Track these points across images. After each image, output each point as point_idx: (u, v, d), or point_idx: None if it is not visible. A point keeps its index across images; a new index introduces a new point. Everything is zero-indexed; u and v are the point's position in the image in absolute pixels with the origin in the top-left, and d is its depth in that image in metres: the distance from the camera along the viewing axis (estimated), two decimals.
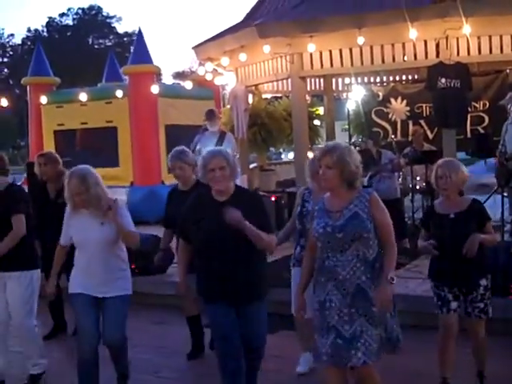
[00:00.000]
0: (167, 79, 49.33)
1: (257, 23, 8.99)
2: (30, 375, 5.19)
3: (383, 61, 8.73)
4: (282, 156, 26.00)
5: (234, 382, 4.16)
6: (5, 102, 14.71)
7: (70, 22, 79.98)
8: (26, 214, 4.98)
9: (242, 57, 9.56)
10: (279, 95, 12.66)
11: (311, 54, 9.07)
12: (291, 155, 12.45)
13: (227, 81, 11.82)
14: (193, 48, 11.03)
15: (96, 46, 78.75)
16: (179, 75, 61.50)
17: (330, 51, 8.96)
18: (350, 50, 8.80)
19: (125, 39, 77.81)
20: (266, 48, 8.98)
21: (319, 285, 3.80)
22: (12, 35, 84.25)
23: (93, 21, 78.88)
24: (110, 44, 77.26)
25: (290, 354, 5.61)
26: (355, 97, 11.80)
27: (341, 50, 8.88)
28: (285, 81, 10.99)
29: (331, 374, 3.83)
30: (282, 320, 6.33)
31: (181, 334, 5.89)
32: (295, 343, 5.69)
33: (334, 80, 12.53)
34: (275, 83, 11.40)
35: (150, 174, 14.29)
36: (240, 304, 4.14)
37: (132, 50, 17.05)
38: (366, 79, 12.17)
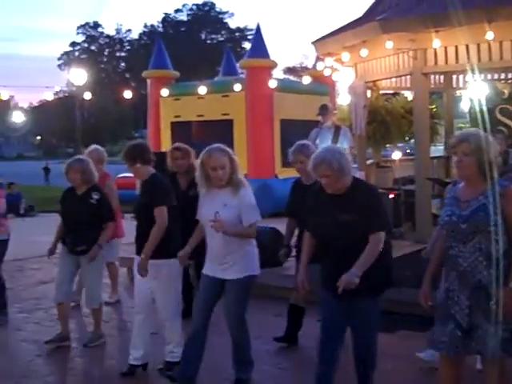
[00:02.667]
0: (277, 74, 49.49)
1: (380, 18, 8.86)
2: (165, 361, 5.28)
3: None
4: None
5: (322, 369, 4.21)
6: (129, 94, 15.28)
7: (185, 18, 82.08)
8: (168, 204, 5.08)
9: (363, 52, 9.46)
10: (397, 92, 12.43)
11: (435, 50, 8.85)
12: (396, 155, 12.16)
13: (345, 76, 11.72)
14: (312, 43, 11.02)
15: (208, 41, 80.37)
16: (290, 70, 61.83)
17: (456, 47, 8.70)
18: (478, 45, 8.51)
19: (236, 34, 78.99)
20: (389, 44, 8.83)
21: (445, 273, 3.80)
22: (129, 31, 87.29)
23: (206, 16, 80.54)
24: (221, 39, 78.71)
25: (407, 353, 5.51)
26: (475, 94, 11.39)
27: (467, 46, 8.60)
28: (404, 77, 10.79)
29: (446, 363, 3.79)
30: (401, 319, 6.26)
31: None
32: (413, 343, 5.61)
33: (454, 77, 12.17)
34: (394, 79, 11.20)
35: (263, 167, 14.49)
36: (350, 297, 4.08)
37: (250, 45, 17.30)
38: (489, 76, 11.72)
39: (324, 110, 9.26)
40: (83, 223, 5.85)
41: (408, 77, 10.34)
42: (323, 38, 10.79)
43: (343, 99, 12.73)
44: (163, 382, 5.12)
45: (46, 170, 36.11)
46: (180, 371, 4.85)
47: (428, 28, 8.49)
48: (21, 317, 7.10)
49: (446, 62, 8.91)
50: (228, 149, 4.70)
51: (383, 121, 10.85)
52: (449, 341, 3.67)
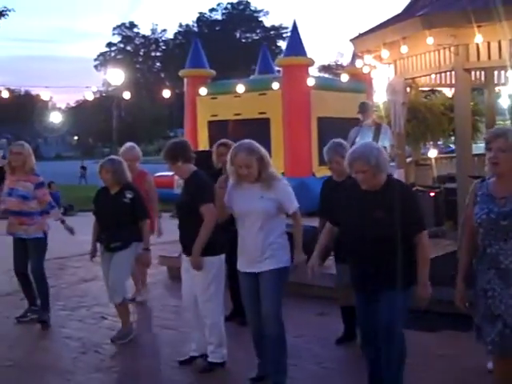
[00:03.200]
0: (312, 72, 49.33)
1: (421, 14, 8.73)
2: (207, 361, 5.28)
3: None
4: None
5: (371, 369, 4.26)
6: (167, 94, 15.35)
7: (219, 17, 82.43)
8: (212, 201, 5.09)
9: (404, 49, 9.33)
10: (434, 88, 12.26)
11: (477, 45, 8.69)
12: (432, 153, 11.98)
13: (383, 74, 11.60)
14: (351, 40, 10.90)
15: (243, 40, 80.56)
16: (325, 68, 61.62)
17: (499, 42, 8.53)
18: None
19: (271, 33, 78.98)
20: (430, 39, 8.70)
21: (480, 273, 3.71)
22: (164, 31, 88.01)
23: (241, 15, 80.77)
24: (256, 38, 78.78)
25: (452, 353, 5.46)
26: None
27: (511, 41, 8.42)
28: (443, 74, 10.62)
29: (499, 363, 3.74)
30: (443, 319, 6.17)
31: (342, 326, 5.89)
32: (457, 342, 5.54)
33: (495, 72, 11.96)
34: (433, 76, 11.05)
35: (300, 165, 14.43)
36: (376, 290, 4.11)
37: (285, 43, 17.28)
38: None
39: (364, 107, 9.20)
40: (117, 221, 5.93)
41: (448, 73, 10.18)
42: (362, 34, 10.68)
43: (379, 97, 12.61)
44: (208, 376, 5.16)
45: (83, 169, 36.61)
46: (260, 371, 4.92)
47: (470, 23, 8.32)
48: (64, 314, 7.20)
49: (489, 58, 8.74)
50: (257, 147, 4.70)
51: (423, 118, 10.71)
52: (500, 341, 3.60)
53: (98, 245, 6.22)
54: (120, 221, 5.92)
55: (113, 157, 6.34)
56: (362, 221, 4.09)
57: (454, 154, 12.25)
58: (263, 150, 4.70)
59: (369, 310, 4.18)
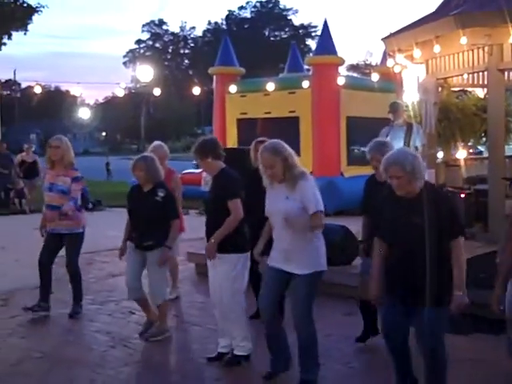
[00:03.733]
0: (341, 71, 49.10)
1: (455, 13, 8.64)
2: (233, 354, 5.33)
3: None
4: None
5: (399, 379, 4.18)
6: (197, 91, 15.40)
7: (248, 15, 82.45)
8: (241, 197, 5.12)
9: (437, 48, 9.24)
10: (464, 88, 12.12)
11: None
12: (460, 154, 11.84)
13: (415, 73, 11.51)
14: (382, 39, 10.84)
15: (272, 38, 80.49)
16: (353, 67, 61.34)
17: None
18: None
19: (300, 31, 78.79)
20: (464, 39, 8.61)
21: None
22: (193, 28, 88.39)
23: (270, 13, 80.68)
24: (285, 36, 78.66)
25: (484, 357, 5.39)
26: None
27: None
28: (476, 74, 10.50)
29: None
30: (476, 322, 6.09)
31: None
32: (490, 346, 5.47)
33: None
34: (465, 76, 10.93)
35: (328, 165, 14.38)
36: (410, 304, 4.01)
37: (314, 42, 17.27)
38: None
39: (395, 107, 9.11)
40: (149, 220, 5.90)
41: (481, 73, 10.07)
42: (394, 33, 10.60)
43: (409, 96, 12.49)
44: (235, 372, 5.19)
45: (107, 165, 36.80)
46: (272, 368, 4.93)
47: (505, 23, 8.22)
48: (93, 308, 7.26)
49: None
50: (282, 147, 4.65)
51: (455, 119, 10.59)
52: None
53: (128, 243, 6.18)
54: (151, 219, 5.89)
55: (146, 154, 6.30)
56: (401, 226, 4.03)
57: (483, 156, 12.16)
58: (288, 151, 4.65)
59: (399, 313, 4.08)
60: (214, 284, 5.33)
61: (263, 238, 4.96)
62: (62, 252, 6.98)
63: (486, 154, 11.77)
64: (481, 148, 13.82)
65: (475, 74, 10.43)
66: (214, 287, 5.33)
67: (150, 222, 5.89)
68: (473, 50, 9.16)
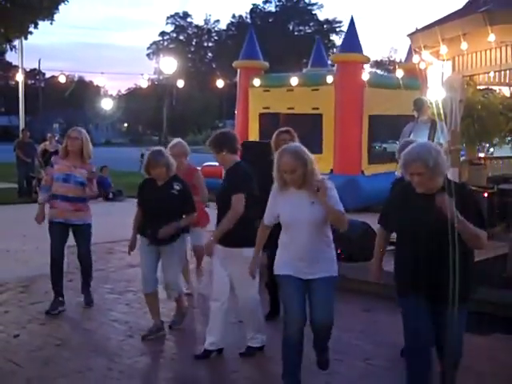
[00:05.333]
0: (365, 68, 48.91)
1: (484, 10, 8.53)
2: (247, 346, 5.41)
3: None
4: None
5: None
6: (220, 83, 15.39)
7: (273, 9, 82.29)
8: (247, 192, 5.06)
9: (464, 45, 9.14)
10: (489, 87, 11.96)
11: None
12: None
13: (439, 70, 11.38)
14: (408, 35, 10.74)
15: (296, 33, 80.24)
16: (377, 64, 60.95)
17: None
18: None
19: (325, 26, 78.44)
20: (492, 36, 8.50)
21: None
22: (217, 21, 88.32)
23: (294, 8, 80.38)
24: (309, 31, 78.37)
25: (503, 357, 5.32)
26: None
27: None
28: (503, 72, 10.37)
29: None
30: (494, 322, 6.03)
31: (389, 323, 5.83)
32: (507, 345, 5.41)
33: None
34: (492, 73, 10.79)
35: (349, 163, 14.29)
36: (434, 303, 3.93)
37: (338, 37, 17.18)
38: None
39: (419, 104, 9.01)
40: (164, 213, 5.74)
41: (508, 71, 9.96)
42: (420, 30, 10.50)
43: (433, 93, 12.36)
44: (245, 367, 5.19)
45: (142, 156, 36.89)
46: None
47: None
48: (112, 297, 7.29)
49: None
50: (303, 151, 4.43)
51: (479, 117, 10.45)
52: None
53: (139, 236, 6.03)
54: (167, 212, 5.74)
55: (160, 149, 6.03)
56: (421, 224, 3.90)
57: (506, 155, 11.99)
58: (309, 156, 4.44)
59: (421, 315, 3.96)
60: (219, 277, 5.28)
61: (260, 244, 4.80)
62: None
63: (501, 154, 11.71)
64: (491, 150, 13.52)
65: (502, 72, 10.32)
66: (219, 280, 5.28)
67: (165, 216, 5.72)
68: (500, 48, 9.04)
